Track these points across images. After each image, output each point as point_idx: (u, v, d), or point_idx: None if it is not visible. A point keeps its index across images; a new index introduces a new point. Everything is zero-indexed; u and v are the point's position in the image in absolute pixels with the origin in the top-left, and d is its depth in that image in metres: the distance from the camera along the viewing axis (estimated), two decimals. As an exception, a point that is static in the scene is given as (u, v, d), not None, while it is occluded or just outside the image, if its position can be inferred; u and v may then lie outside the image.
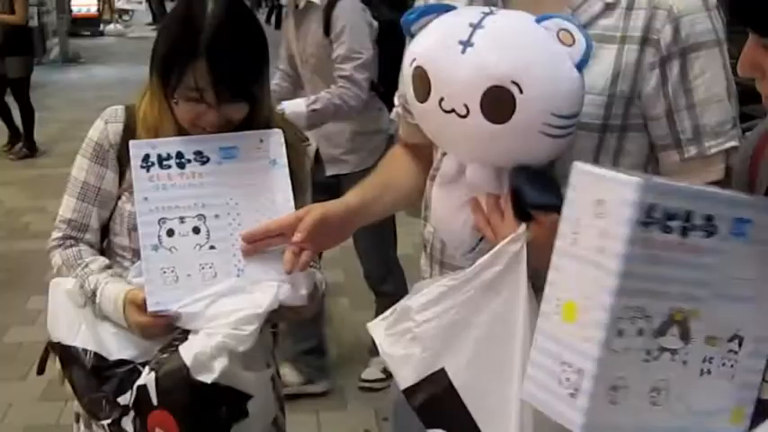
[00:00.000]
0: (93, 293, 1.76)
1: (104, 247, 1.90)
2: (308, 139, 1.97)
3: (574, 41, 1.33)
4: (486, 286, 1.40)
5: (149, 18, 19.35)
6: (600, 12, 1.46)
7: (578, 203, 1.12)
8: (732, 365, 1.16)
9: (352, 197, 1.72)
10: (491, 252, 1.39)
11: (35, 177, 6.98)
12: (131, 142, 1.74)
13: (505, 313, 1.38)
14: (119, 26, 18.62)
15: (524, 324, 1.35)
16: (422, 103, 1.41)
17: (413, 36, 1.47)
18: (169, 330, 1.71)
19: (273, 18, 13.57)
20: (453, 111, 1.36)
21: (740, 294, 1.14)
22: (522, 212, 1.38)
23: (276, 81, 3.59)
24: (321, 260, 2.03)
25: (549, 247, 1.34)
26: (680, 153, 1.49)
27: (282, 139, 1.78)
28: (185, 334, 1.70)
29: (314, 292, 1.78)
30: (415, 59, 1.41)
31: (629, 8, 1.45)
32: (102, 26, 17.96)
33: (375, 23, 3.34)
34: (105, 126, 1.84)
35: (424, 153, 1.69)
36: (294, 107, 3.22)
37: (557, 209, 1.32)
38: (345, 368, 3.76)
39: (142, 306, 1.69)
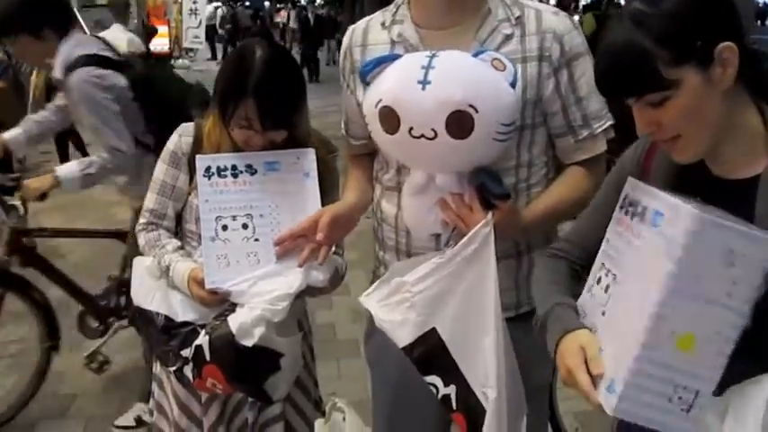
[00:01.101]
0: (167, 269, 1.81)
1: (178, 230, 1.93)
2: (337, 151, 1.95)
3: (505, 67, 1.39)
4: (466, 261, 1.43)
5: (209, 54, 19.37)
6: (501, 42, 1.52)
7: (702, 251, 1.01)
8: None
9: (351, 196, 1.74)
10: (468, 235, 1.43)
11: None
12: (197, 157, 1.78)
13: (480, 281, 1.42)
14: (185, 61, 18.57)
15: (494, 288, 1.40)
16: (392, 134, 1.43)
17: (368, 84, 1.49)
18: (222, 302, 1.75)
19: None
20: (423, 136, 1.39)
21: None
22: (486, 203, 1.43)
23: (46, 114, 3.04)
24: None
25: (508, 226, 1.45)
26: (574, 136, 1.57)
27: (314, 157, 1.80)
28: (234, 306, 1.74)
29: (334, 275, 1.81)
30: (380, 100, 1.43)
31: (522, 35, 1.52)
32: (172, 60, 17.90)
33: (122, 82, 2.64)
34: (179, 138, 1.87)
35: (364, 161, 1.77)
36: (68, 172, 2.66)
37: (509, 196, 1.43)
38: (360, 323, 3.62)
39: (202, 282, 1.73)
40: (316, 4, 30.40)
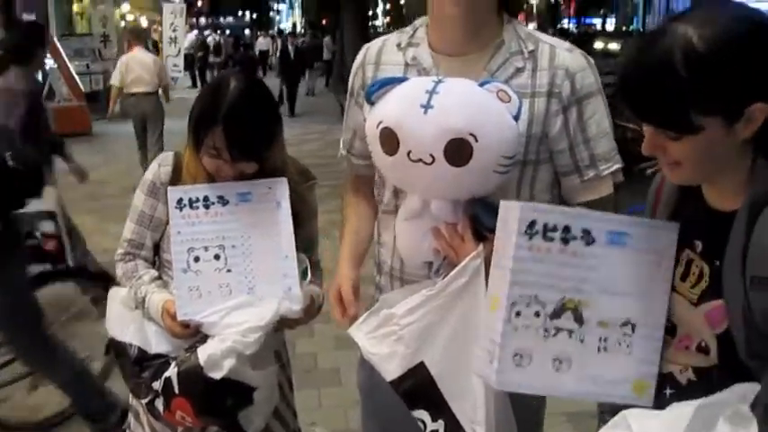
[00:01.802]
0: (143, 300, 1.79)
1: (156, 260, 1.91)
2: (315, 179, 1.94)
3: (510, 99, 1.38)
4: (455, 294, 1.41)
5: (189, 83, 19.36)
6: (512, 74, 1.50)
7: (499, 228, 1.24)
8: (628, 345, 1.20)
9: (349, 253, 1.74)
10: (458, 267, 1.41)
11: (103, 206, 6.78)
12: (169, 188, 1.76)
13: (469, 314, 1.40)
14: (166, 89, 18.54)
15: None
16: (391, 156, 1.42)
17: (372, 104, 1.48)
18: (194, 334, 1.73)
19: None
20: (420, 160, 1.37)
21: (624, 290, 1.19)
22: (478, 234, 1.40)
23: None
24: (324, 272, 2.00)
25: None
26: (580, 176, 1.54)
27: (286, 187, 1.78)
28: (206, 338, 1.71)
29: (310, 305, 1.78)
30: (381, 122, 1.42)
31: (534, 70, 1.50)
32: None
33: None
34: (158, 168, 1.85)
35: (366, 181, 1.75)
36: None
37: None
38: (342, 351, 3.45)
39: (174, 315, 1.71)
40: (297, 33, 30.58)
